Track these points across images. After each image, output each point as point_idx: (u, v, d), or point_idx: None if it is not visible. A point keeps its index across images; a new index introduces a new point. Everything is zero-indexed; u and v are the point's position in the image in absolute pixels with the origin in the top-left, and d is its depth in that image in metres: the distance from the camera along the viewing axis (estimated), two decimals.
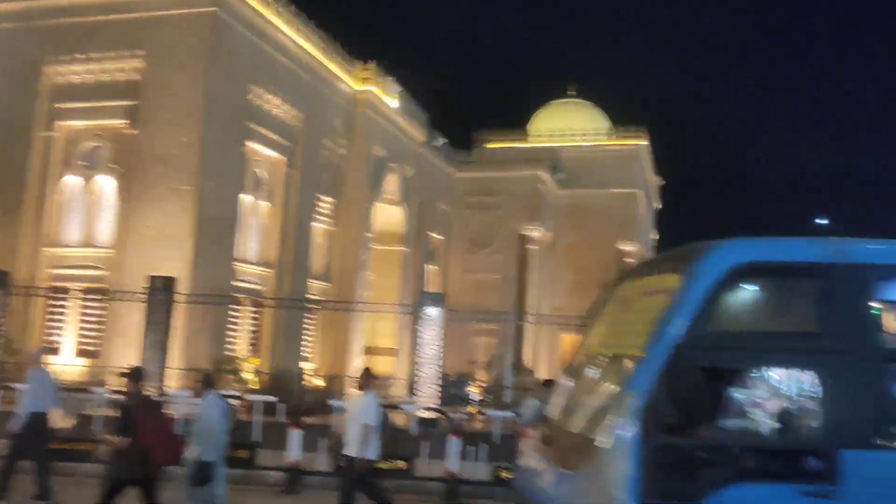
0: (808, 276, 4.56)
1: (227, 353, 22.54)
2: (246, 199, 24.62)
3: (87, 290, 22.37)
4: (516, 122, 47.53)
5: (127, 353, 18.66)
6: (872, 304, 4.47)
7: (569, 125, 45.28)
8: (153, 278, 15.99)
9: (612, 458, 4.32)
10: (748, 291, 4.74)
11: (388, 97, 31.37)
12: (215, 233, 22.04)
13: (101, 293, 21.64)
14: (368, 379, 9.21)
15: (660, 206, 61.10)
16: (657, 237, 62.86)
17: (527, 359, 39.93)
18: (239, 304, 23.32)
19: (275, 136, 25.32)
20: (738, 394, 4.89)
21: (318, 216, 28.41)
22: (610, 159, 43.97)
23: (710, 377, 4.85)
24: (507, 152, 42.83)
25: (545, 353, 43.60)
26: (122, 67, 22.65)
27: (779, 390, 4.87)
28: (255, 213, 25.46)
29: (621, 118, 46.64)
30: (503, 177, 40.59)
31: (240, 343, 24.00)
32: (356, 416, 9.00)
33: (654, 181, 55.34)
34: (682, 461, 4.35)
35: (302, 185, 26.57)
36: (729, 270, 4.53)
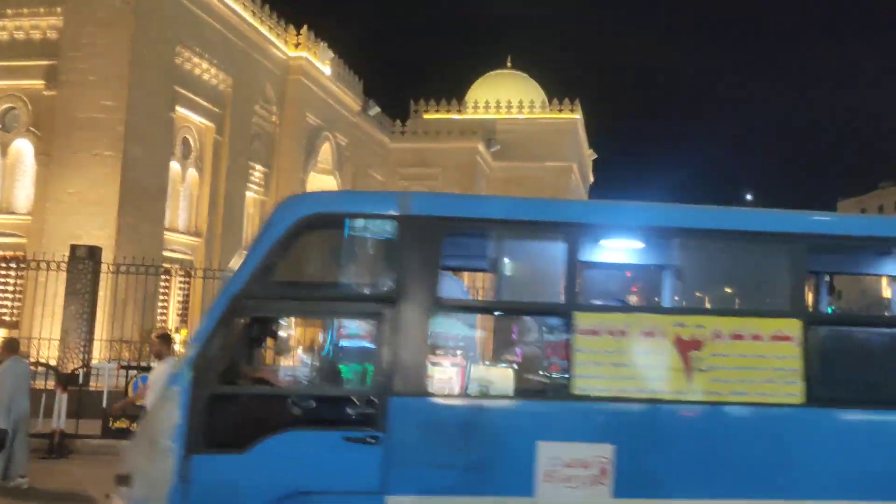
0: (374, 227, 4.55)
1: (157, 324, 21.96)
2: (175, 166, 23.85)
3: (3, 259, 21.39)
4: (453, 92, 47.32)
5: (49, 323, 17.94)
6: (431, 255, 4.49)
7: (505, 97, 45.36)
8: (75, 247, 15.33)
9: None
10: (316, 243, 4.74)
11: (322, 64, 30.75)
12: (142, 201, 21.29)
13: (18, 262, 20.72)
14: (166, 344, 8.85)
15: (593, 181, 62.08)
16: None
17: None
18: (168, 274, 22.67)
19: (204, 102, 24.53)
20: (290, 343, 4.96)
21: (250, 185, 27.79)
22: (544, 132, 44.30)
23: (265, 327, 4.93)
24: (443, 123, 42.64)
25: None
26: (38, 25, 21.51)
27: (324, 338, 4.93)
28: (184, 181, 24.72)
29: (557, 91, 47.00)
30: (439, 148, 40.47)
31: (170, 314, 23.42)
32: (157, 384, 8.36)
33: (588, 155, 56.11)
34: (230, 410, 4.38)
35: (232, 153, 25.89)
36: (296, 222, 4.54)
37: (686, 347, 4.51)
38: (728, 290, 5.39)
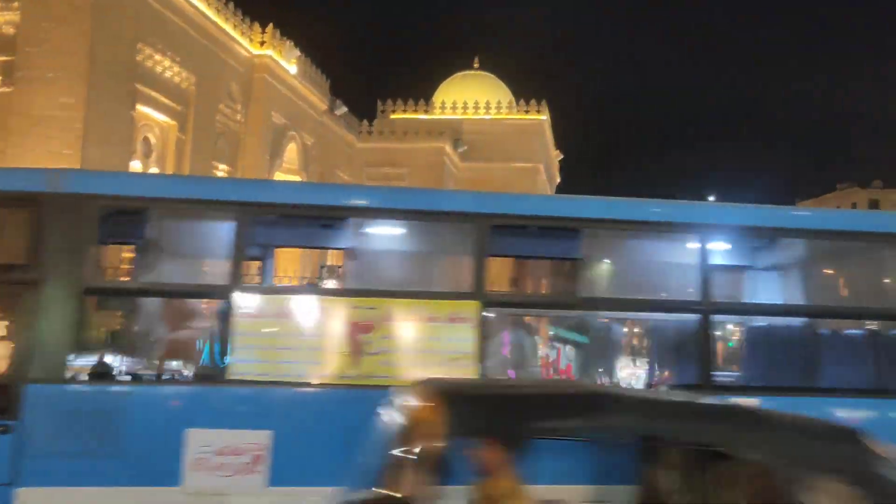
0: (18, 204, 4.34)
1: None
2: (136, 165, 23.33)
3: None
4: (421, 93, 47.18)
5: None
6: (81, 235, 4.31)
7: (472, 98, 45.32)
8: None
9: None
10: None
11: (288, 62, 30.37)
12: None
13: None
14: None
15: (559, 181, 62.39)
16: None
17: None
18: None
19: (166, 100, 24.04)
20: None
21: None
22: (511, 133, 44.35)
23: None
24: (410, 123, 42.45)
25: None
26: None
27: None
28: None
29: (524, 92, 47.08)
30: (406, 148, 40.26)
31: None
32: None
33: (555, 155, 56.35)
34: None
35: (195, 152, 25.41)
36: None
37: (356, 330, 4.38)
38: (406, 271, 5.23)
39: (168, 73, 24.05)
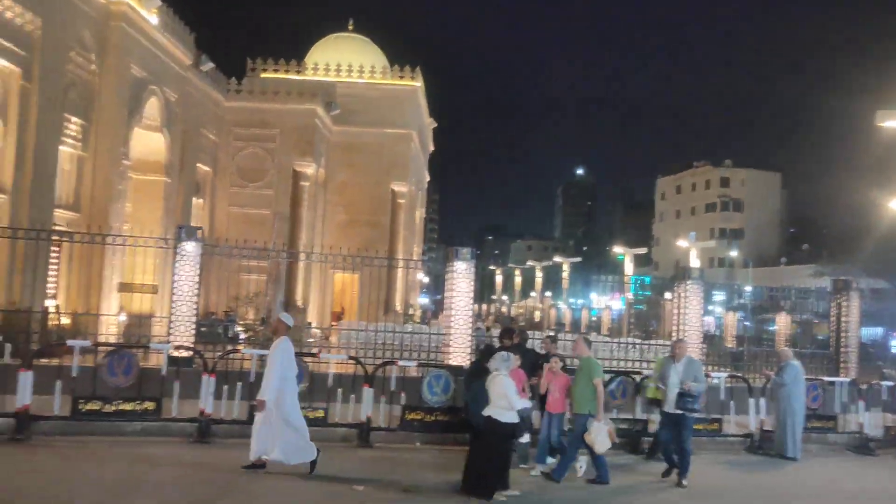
0: None
1: None
2: None
3: None
4: (293, 53, 46.01)
5: None
6: None
7: (345, 60, 44.69)
8: None
9: None
10: None
11: (148, 12, 28.72)
12: None
13: None
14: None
15: (433, 149, 62.82)
16: (430, 179, 64.80)
17: (298, 297, 39.62)
18: None
19: (7, 43, 22.16)
20: None
21: (65, 139, 25.57)
22: (385, 98, 44.15)
23: None
24: (281, 83, 41.31)
25: (318, 291, 43.54)
26: None
27: None
28: None
29: (398, 58, 46.86)
30: (277, 109, 39.24)
31: None
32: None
33: (429, 123, 56.64)
34: None
35: (43, 103, 23.64)
36: None
37: None
38: None
39: (8, 14, 22.15)
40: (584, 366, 10.87)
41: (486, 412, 9.34)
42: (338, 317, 41.87)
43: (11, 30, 22.23)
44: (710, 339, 21.76)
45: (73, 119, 25.95)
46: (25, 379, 10.98)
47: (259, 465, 9.74)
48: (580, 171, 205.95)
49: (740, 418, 14.74)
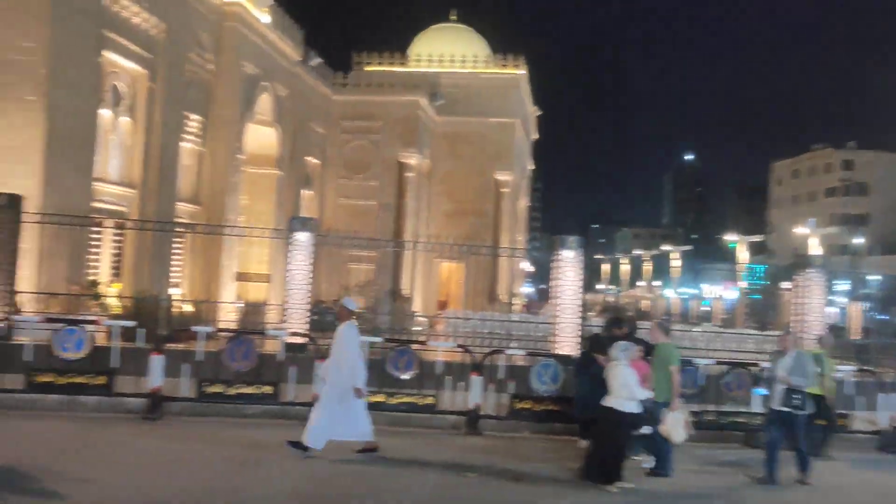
0: None
1: (88, 277, 21.37)
2: (105, 114, 22.95)
3: None
4: (397, 45, 46.59)
5: None
6: None
7: (449, 51, 44.86)
8: None
9: None
10: None
11: (259, 11, 29.80)
12: (69, 149, 20.45)
13: None
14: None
15: (537, 137, 62.26)
16: (534, 167, 64.31)
17: (405, 286, 40.30)
18: (98, 225, 21.98)
19: (135, 47, 23.54)
20: None
21: (185, 135, 26.97)
22: (488, 87, 44.09)
23: None
24: (385, 76, 42.01)
25: (423, 280, 44.15)
26: None
27: None
28: (115, 129, 23.83)
29: (502, 46, 46.68)
30: (381, 101, 39.93)
31: (102, 267, 22.78)
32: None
33: (532, 111, 56.16)
34: None
35: (166, 102, 25.01)
36: None
37: None
38: None
39: (136, 20, 23.50)
40: (660, 353, 10.47)
41: (607, 402, 9.20)
42: (443, 305, 42.31)
43: (139, 34, 23.59)
44: (835, 332, 20.61)
45: (193, 116, 27.32)
46: (157, 362, 11.70)
47: (371, 449, 9.95)
48: (689, 157, 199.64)
49: (869, 414, 13.92)
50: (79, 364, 11.85)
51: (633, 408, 9.14)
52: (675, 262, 61.27)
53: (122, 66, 23.41)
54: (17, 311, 14.63)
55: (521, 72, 45.45)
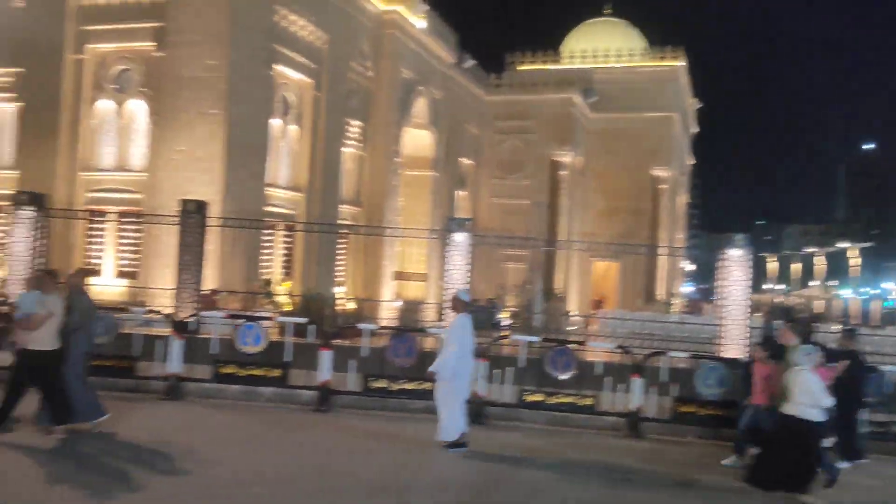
0: None
1: (261, 276, 22.94)
2: (275, 123, 24.53)
3: (122, 213, 22.73)
4: (549, 43, 46.40)
5: (163, 274, 19.09)
6: None
7: (602, 46, 44.06)
8: (185, 202, 16.11)
9: None
10: None
11: (415, 17, 30.66)
12: (245, 157, 22.08)
13: (136, 216, 22.00)
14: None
15: (697, 131, 59.78)
16: (693, 162, 61.77)
17: (558, 285, 40.04)
18: (271, 227, 23.55)
19: (302, 59, 25.00)
20: None
21: (346, 140, 28.28)
22: (645, 81, 42.88)
23: None
24: (538, 74, 41.92)
25: (577, 279, 43.66)
26: None
27: None
28: (284, 137, 25.41)
29: (658, 38, 45.23)
30: (534, 100, 39.88)
31: (273, 267, 24.36)
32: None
33: (692, 104, 53.99)
34: None
35: (330, 109, 26.37)
36: None
37: None
38: None
39: (303, 33, 24.94)
40: (791, 356, 9.65)
41: (787, 410, 8.70)
42: (597, 305, 41.62)
43: (305, 46, 25.01)
44: None
45: (354, 122, 28.59)
46: (326, 357, 12.34)
47: (460, 444, 9.87)
48: (867, 146, 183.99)
49: None
50: (257, 357, 12.74)
51: (815, 416, 8.57)
52: (854, 260, 56.69)
53: (290, 77, 24.91)
54: (215, 306, 15.92)
55: (680, 63, 43.84)
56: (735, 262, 14.74)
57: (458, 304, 10.31)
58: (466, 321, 10.03)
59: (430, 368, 10.05)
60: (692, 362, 13.26)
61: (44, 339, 9.06)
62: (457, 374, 9.76)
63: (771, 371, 9.81)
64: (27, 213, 15.33)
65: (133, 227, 22.41)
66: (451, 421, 9.76)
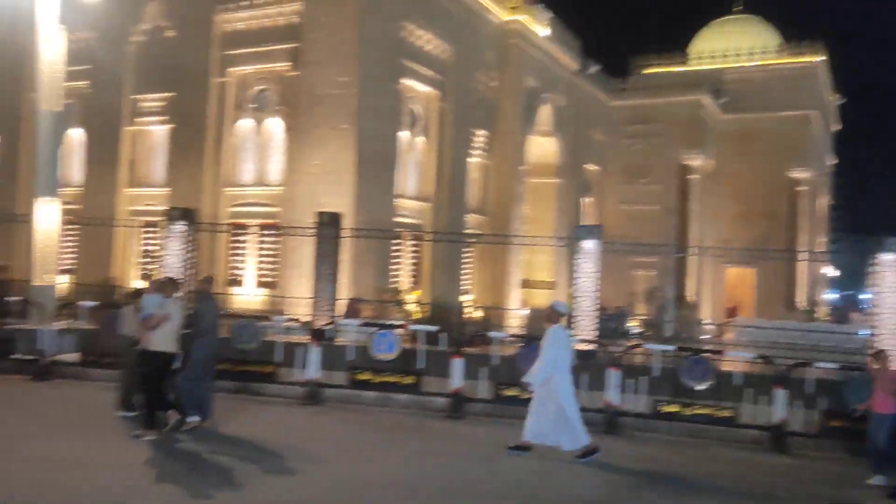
0: None
1: (391, 284, 23.57)
2: (403, 135, 25.17)
3: (262, 226, 24.00)
4: (676, 45, 45.05)
5: (301, 283, 19.99)
6: None
7: (733, 45, 42.33)
8: (321, 214, 16.83)
9: None
10: None
11: (538, 26, 30.63)
12: (375, 169, 22.80)
13: (274, 228, 23.17)
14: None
15: (839, 128, 56.25)
16: (836, 162, 58.10)
17: (689, 292, 38.71)
18: (400, 238, 24.16)
19: (428, 72, 25.56)
20: None
21: (472, 150, 28.60)
22: (780, 79, 40.80)
23: None
24: (665, 77, 40.82)
25: (709, 286, 42.04)
26: (283, 11, 23.54)
27: None
28: (412, 148, 26.03)
29: (795, 33, 42.94)
30: (661, 103, 38.82)
31: (402, 275, 24.97)
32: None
33: (833, 100, 50.87)
34: None
35: (456, 120, 26.78)
36: None
37: None
38: None
39: (428, 47, 25.51)
40: None
41: None
42: (732, 313, 39.86)
43: (431, 59, 25.56)
44: None
45: (479, 131, 28.88)
46: (458, 365, 12.53)
47: (525, 448, 9.73)
48: None
49: None
50: (391, 364, 13.10)
51: None
52: None
53: (417, 90, 25.52)
54: (359, 314, 16.49)
55: (819, 58, 41.44)
56: (889, 266, 13.79)
57: (554, 316, 10.16)
58: (561, 333, 9.99)
59: (523, 379, 10.10)
60: (841, 374, 12.50)
61: (161, 341, 9.69)
62: (557, 386, 9.68)
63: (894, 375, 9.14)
64: (179, 227, 16.49)
65: (272, 238, 23.61)
66: (574, 432, 9.72)
